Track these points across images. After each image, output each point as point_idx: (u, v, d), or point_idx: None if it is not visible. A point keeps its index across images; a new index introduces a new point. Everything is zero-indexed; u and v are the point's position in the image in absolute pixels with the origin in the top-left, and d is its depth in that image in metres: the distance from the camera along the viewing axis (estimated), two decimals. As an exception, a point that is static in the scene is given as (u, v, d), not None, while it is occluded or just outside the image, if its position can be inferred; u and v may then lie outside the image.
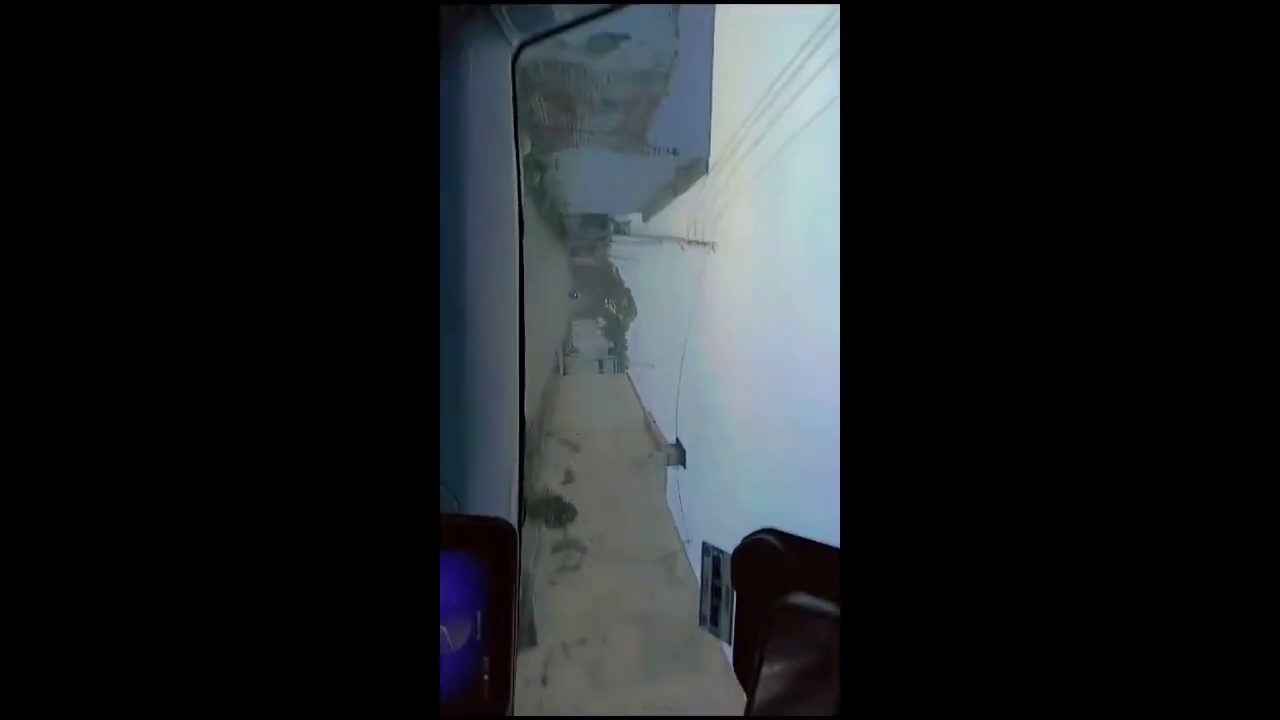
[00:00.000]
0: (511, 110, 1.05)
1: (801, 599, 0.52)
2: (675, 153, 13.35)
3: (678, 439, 14.73)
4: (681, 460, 14.27)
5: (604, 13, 1.03)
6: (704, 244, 17.59)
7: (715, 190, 14.95)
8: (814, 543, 0.55)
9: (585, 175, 14.23)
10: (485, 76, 0.97)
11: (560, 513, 10.05)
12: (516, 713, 0.71)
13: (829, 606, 0.50)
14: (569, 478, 12.16)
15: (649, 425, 15.42)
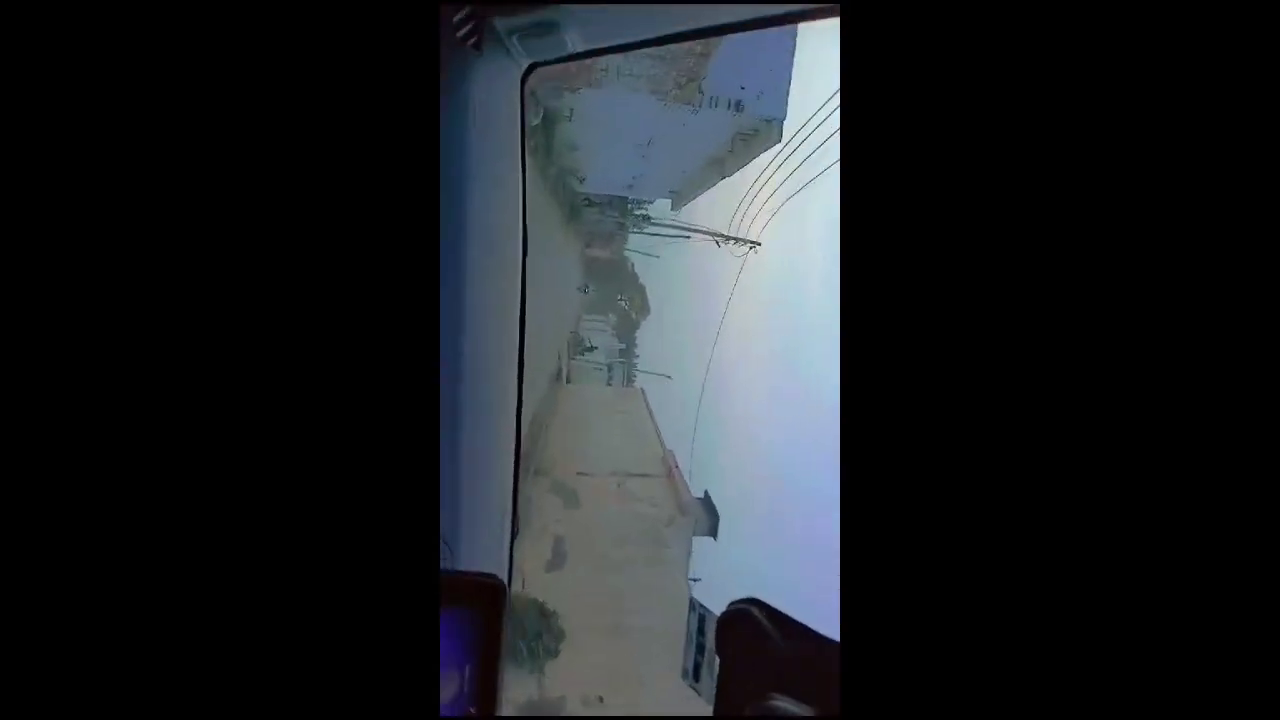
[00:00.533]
0: (519, 133, 0.98)
1: (780, 703, 0.51)
2: (738, 108, 9.63)
3: (706, 494, 11.16)
4: (713, 529, 10.71)
5: (620, 49, 0.91)
6: (747, 242, 13.93)
7: (782, 168, 11.00)
8: (796, 624, 0.54)
9: (608, 132, 10.50)
10: (492, 95, 0.88)
11: (539, 633, 6.29)
12: None
13: (805, 713, 0.50)
14: (556, 555, 8.36)
15: (670, 470, 11.66)
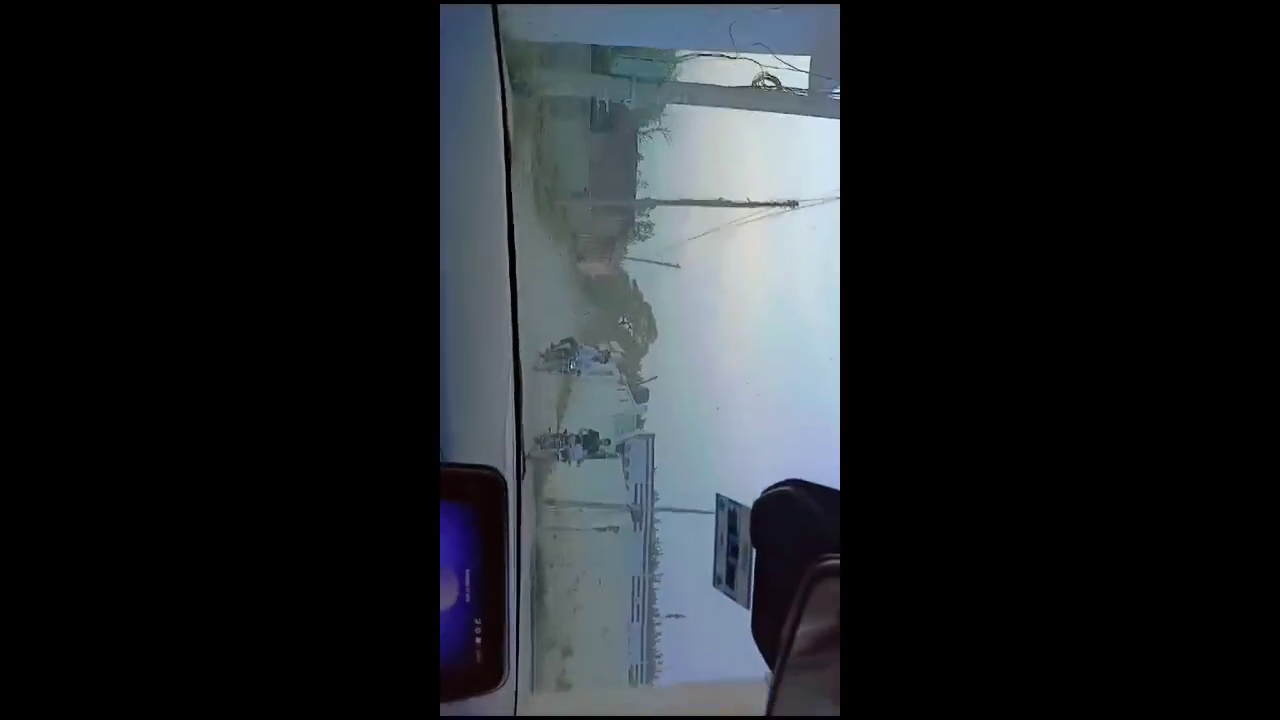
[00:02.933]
0: (497, 78, 0.96)
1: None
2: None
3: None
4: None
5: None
6: (784, 205, 10.63)
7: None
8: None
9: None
10: (461, 39, 0.84)
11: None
12: (522, 682, 0.68)
13: None
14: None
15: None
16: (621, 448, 10.61)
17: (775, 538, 0.53)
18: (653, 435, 11.47)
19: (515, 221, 0.99)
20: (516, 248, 0.99)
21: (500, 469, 0.82)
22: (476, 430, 0.89)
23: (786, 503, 0.52)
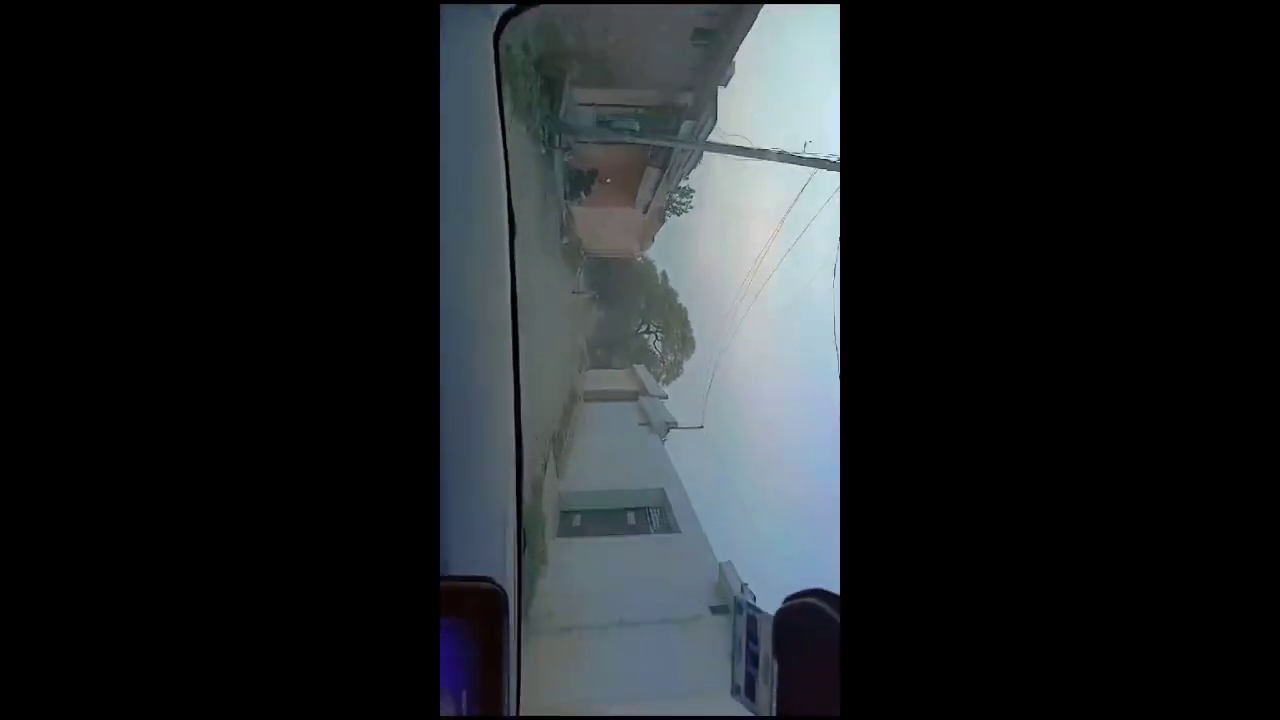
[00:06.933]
0: (495, 92, 0.87)
1: None
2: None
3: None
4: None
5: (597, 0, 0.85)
6: (820, 161, 8.40)
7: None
8: None
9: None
10: (464, 52, 0.80)
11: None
12: None
13: None
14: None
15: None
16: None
17: (798, 651, 0.49)
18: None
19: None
20: (520, 351, 0.92)
21: (501, 570, 0.79)
22: (472, 533, 0.80)
23: (809, 615, 0.48)
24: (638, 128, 8.84)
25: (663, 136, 9.28)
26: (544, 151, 7.88)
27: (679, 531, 8.25)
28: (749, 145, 7.72)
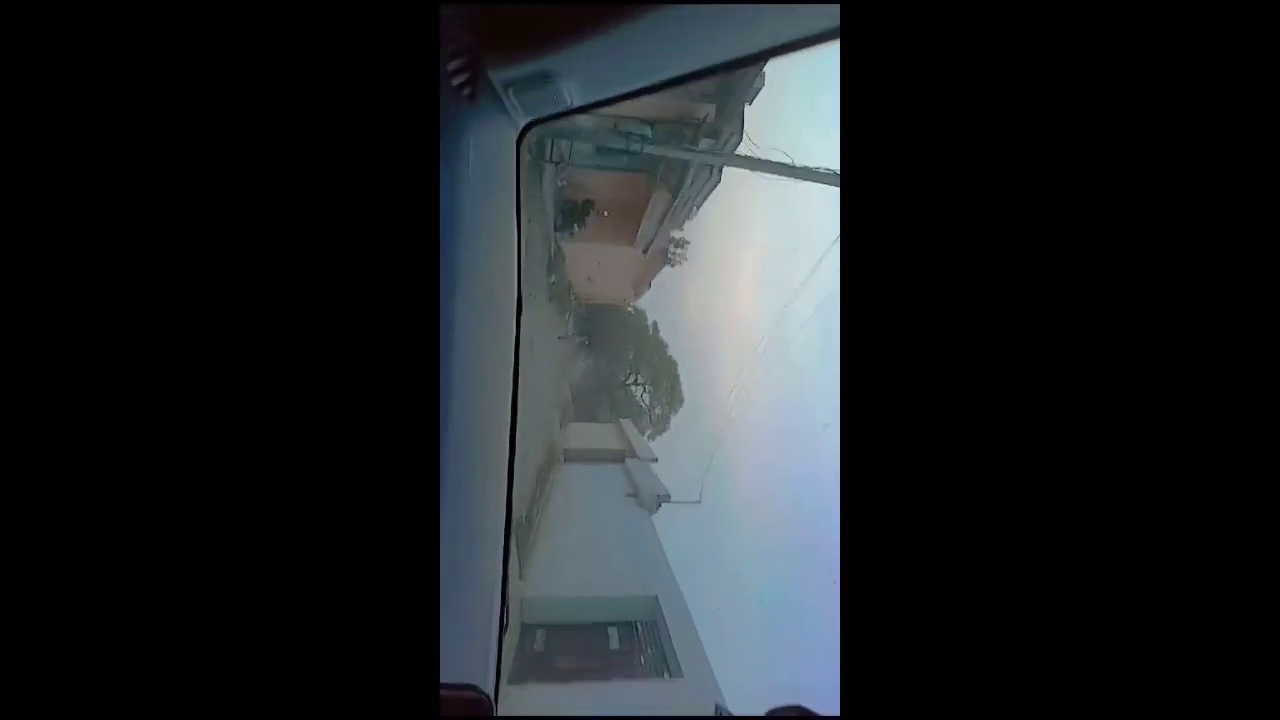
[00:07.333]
0: (515, 197, 0.93)
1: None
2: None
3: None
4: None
5: (619, 99, 0.84)
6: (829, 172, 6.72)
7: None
8: None
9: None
10: (487, 157, 0.84)
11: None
12: None
13: None
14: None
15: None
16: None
17: None
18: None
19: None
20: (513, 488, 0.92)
21: (483, 676, 0.79)
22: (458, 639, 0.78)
23: None
24: (649, 134, 7.34)
25: (679, 148, 7.84)
26: (530, 157, 6.41)
27: (680, 674, 5.99)
28: (790, 162, 6.26)
